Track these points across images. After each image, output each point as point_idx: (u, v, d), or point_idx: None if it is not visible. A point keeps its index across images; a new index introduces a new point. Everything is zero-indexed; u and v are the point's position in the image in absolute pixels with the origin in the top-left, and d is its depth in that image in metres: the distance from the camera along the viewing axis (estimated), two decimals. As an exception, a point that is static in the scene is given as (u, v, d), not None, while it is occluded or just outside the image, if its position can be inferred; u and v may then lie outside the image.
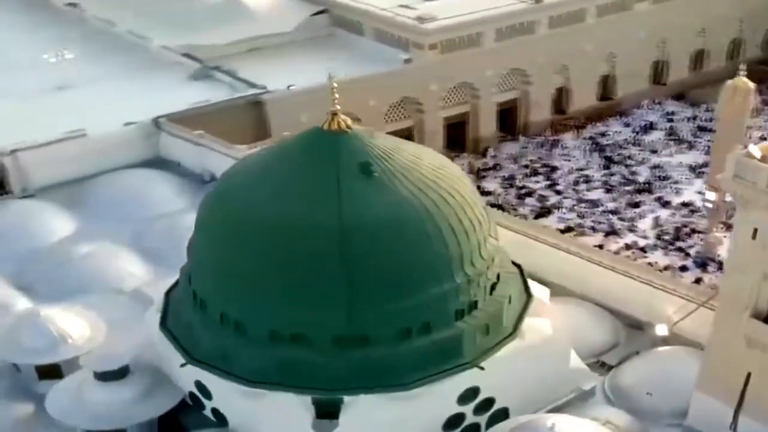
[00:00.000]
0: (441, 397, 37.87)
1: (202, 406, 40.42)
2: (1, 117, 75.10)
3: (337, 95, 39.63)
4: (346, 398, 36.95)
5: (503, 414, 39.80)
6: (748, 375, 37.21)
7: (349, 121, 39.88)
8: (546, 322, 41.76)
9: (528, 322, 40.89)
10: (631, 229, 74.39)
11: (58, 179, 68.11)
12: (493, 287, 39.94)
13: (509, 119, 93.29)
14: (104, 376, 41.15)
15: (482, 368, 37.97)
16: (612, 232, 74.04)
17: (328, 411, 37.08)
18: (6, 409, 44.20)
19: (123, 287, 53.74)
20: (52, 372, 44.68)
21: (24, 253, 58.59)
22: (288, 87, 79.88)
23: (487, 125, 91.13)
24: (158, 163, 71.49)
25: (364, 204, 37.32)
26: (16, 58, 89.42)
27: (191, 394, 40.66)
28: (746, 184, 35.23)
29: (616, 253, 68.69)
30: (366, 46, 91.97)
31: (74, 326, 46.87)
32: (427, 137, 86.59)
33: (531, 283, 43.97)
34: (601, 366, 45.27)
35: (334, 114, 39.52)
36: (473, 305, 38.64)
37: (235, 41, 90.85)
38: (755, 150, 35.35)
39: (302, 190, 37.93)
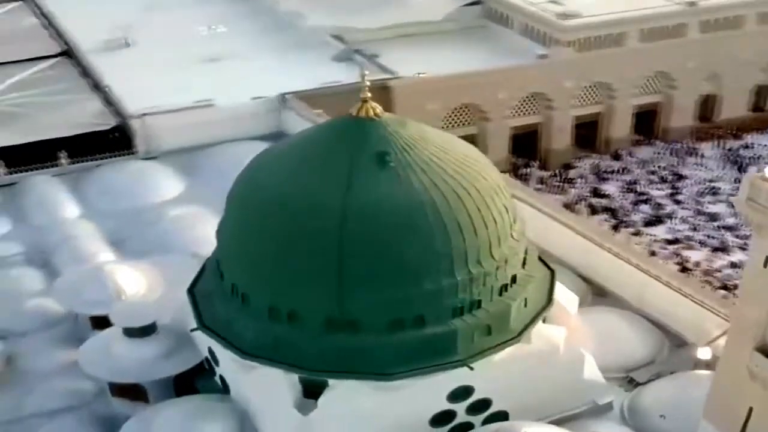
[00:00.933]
0: (429, 392, 36.79)
1: (214, 373, 41.03)
2: (152, 83, 79.01)
3: (368, 83, 39.04)
4: (331, 381, 36.50)
5: (502, 418, 38.35)
6: (750, 409, 34.18)
7: (379, 109, 39.05)
8: (560, 330, 39.82)
9: (539, 328, 39.06)
10: (743, 248, 69.67)
11: (181, 145, 70.57)
12: (505, 288, 38.21)
13: (647, 123, 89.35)
14: (131, 332, 42.47)
15: (471, 368, 36.55)
16: (721, 248, 69.63)
17: (314, 391, 36.85)
18: (58, 352, 46.40)
19: (200, 252, 54.92)
20: (104, 323, 46.31)
21: (127, 210, 61.25)
22: (417, 74, 79.37)
23: (621, 127, 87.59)
24: (279, 137, 72.14)
25: (371, 192, 36.49)
26: (179, 30, 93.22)
27: (207, 359, 41.34)
28: (759, 209, 32.21)
29: (717, 270, 64.58)
30: (511, 39, 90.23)
31: (132, 283, 48.73)
32: (555, 134, 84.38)
33: (561, 289, 42.12)
34: (629, 382, 42.81)
35: (364, 101, 38.86)
36: (475, 304, 37.12)
37: (385, 26, 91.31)
38: (772, 172, 32.25)
39: (315, 173, 37.42)
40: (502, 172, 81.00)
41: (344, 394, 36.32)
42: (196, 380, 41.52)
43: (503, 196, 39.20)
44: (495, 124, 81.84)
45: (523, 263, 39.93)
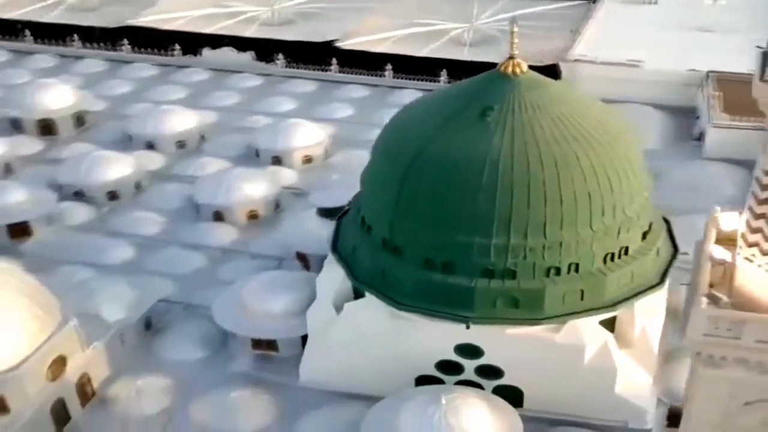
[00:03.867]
0: (438, 337, 36.52)
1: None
2: (628, 38, 78.07)
3: (516, 40, 37.29)
4: (366, 293, 37.57)
5: (515, 393, 36.57)
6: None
7: (525, 66, 37.31)
8: (602, 334, 35.48)
9: (581, 324, 35.40)
10: None
11: (596, 93, 68.95)
12: (557, 272, 35.14)
13: None
14: (320, 212, 47.33)
15: (468, 326, 35.11)
16: None
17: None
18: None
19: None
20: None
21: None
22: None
23: None
24: (679, 110, 67.83)
25: (453, 140, 36.09)
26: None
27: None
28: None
29: None
30: None
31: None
32: None
33: (655, 305, 36.94)
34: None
35: (511, 57, 37.44)
36: (509, 273, 35.08)
37: None
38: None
39: (427, 119, 37.76)
40: None
41: (365, 308, 37.90)
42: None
43: (604, 187, 35.31)
44: None
45: (608, 258, 35.84)
